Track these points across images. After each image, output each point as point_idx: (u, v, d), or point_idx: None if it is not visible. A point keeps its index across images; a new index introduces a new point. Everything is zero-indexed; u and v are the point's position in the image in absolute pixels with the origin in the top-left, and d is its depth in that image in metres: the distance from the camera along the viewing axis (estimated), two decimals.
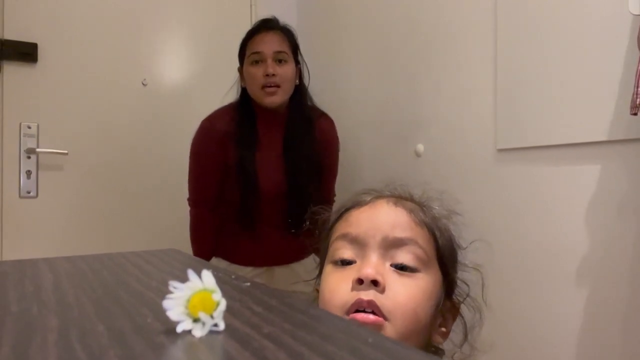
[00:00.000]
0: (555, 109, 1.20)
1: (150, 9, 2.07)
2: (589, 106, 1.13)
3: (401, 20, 1.70)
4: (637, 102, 0.94)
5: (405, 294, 0.67)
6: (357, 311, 0.67)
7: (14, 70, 1.83)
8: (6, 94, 1.82)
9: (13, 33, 1.82)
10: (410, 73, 1.65)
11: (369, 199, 0.76)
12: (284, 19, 1.71)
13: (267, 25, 1.64)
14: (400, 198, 0.76)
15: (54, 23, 1.89)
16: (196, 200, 1.68)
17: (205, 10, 2.17)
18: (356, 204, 0.76)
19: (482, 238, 0.80)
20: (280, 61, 1.59)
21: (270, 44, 1.60)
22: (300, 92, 1.68)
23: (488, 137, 1.38)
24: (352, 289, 0.68)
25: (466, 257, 0.79)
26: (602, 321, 1.12)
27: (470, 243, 0.79)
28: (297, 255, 1.68)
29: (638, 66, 0.95)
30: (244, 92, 1.65)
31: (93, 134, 1.95)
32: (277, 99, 1.59)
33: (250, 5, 2.21)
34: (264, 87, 1.57)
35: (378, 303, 0.66)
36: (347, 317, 0.67)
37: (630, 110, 0.96)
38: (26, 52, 1.83)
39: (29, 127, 1.85)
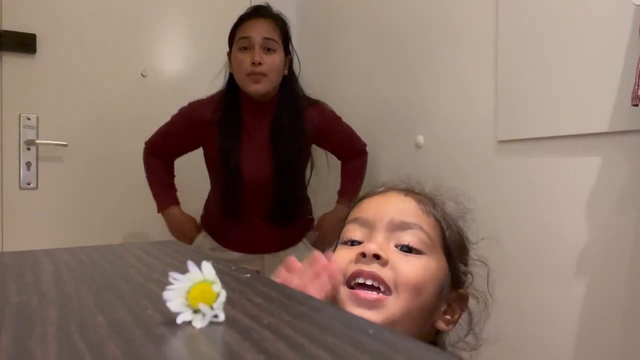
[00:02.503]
0: (556, 100, 1.20)
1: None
2: (590, 97, 1.13)
3: (402, 13, 1.69)
4: (638, 93, 0.94)
5: (409, 268, 0.70)
6: (359, 284, 0.69)
7: (12, 61, 1.82)
8: (5, 85, 1.82)
9: (11, 24, 1.81)
10: (411, 65, 1.64)
11: (382, 189, 0.81)
12: (284, 6, 1.70)
13: (258, 12, 1.62)
14: (412, 191, 0.80)
15: (53, 14, 1.88)
16: (154, 149, 1.69)
17: (205, 1, 2.16)
18: (370, 193, 0.82)
19: (481, 229, 0.81)
20: (268, 49, 1.57)
21: (259, 30, 1.57)
22: (289, 82, 1.66)
23: (488, 129, 1.37)
24: (355, 262, 0.71)
25: (473, 249, 0.81)
26: (600, 312, 1.12)
27: (481, 239, 0.81)
28: (285, 244, 1.69)
29: (639, 57, 0.95)
30: (231, 78, 1.64)
31: (92, 126, 1.94)
32: (262, 87, 1.56)
33: None
34: (249, 74, 1.55)
35: (381, 274, 0.68)
36: (347, 291, 0.69)
37: (631, 102, 0.96)
38: (25, 43, 1.82)
39: (29, 119, 1.84)
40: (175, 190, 1.71)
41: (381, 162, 1.76)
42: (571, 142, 1.18)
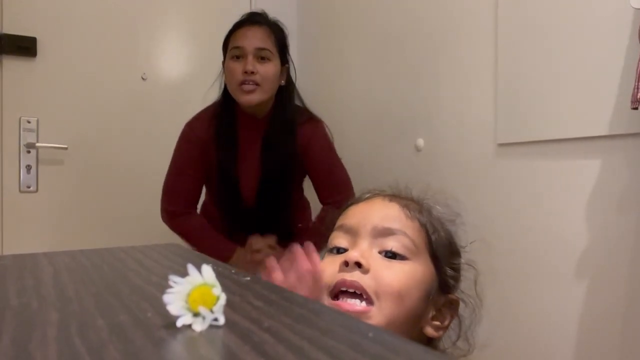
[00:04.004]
0: (556, 104, 1.20)
1: (150, 2, 2.06)
2: (590, 100, 1.13)
3: (402, 15, 1.69)
4: (638, 97, 0.94)
5: (390, 276, 0.70)
6: (342, 292, 0.70)
7: (13, 65, 1.82)
8: (5, 88, 1.82)
9: (12, 27, 1.81)
10: (411, 68, 1.64)
11: (368, 195, 0.82)
12: (285, 10, 1.68)
13: (252, 19, 1.56)
14: (398, 196, 0.80)
15: (53, 17, 1.88)
16: (175, 210, 1.58)
17: (205, 4, 2.17)
18: (356, 200, 0.83)
19: (482, 233, 0.81)
20: (262, 58, 1.50)
21: (252, 39, 1.50)
22: (285, 93, 1.58)
23: (488, 132, 1.37)
24: (339, 271, 0.72)
25: (464, 253, 0.80)
26: (601, 316, 1.12)
27: (470, 243, 0.81)
28: (284, 249, 1.67)
29: (639, 60, 0.95)
30: (226, 89, 1.58)
31: (93, 129, 1.94)
32: (254, 98, 1.48)
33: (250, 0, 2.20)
34: (241, 84, 1.48)
35: (362, 283, 0.69)
36: (331, 300, 0.71)
37: (631, 105, 0.96)
38: (25, 46, 1.82)
39: (29, 122, 1.84)
40: (223, 234, 1.60)
41: (381, 165, 1.76)
42: (571, 145, 1.18)
